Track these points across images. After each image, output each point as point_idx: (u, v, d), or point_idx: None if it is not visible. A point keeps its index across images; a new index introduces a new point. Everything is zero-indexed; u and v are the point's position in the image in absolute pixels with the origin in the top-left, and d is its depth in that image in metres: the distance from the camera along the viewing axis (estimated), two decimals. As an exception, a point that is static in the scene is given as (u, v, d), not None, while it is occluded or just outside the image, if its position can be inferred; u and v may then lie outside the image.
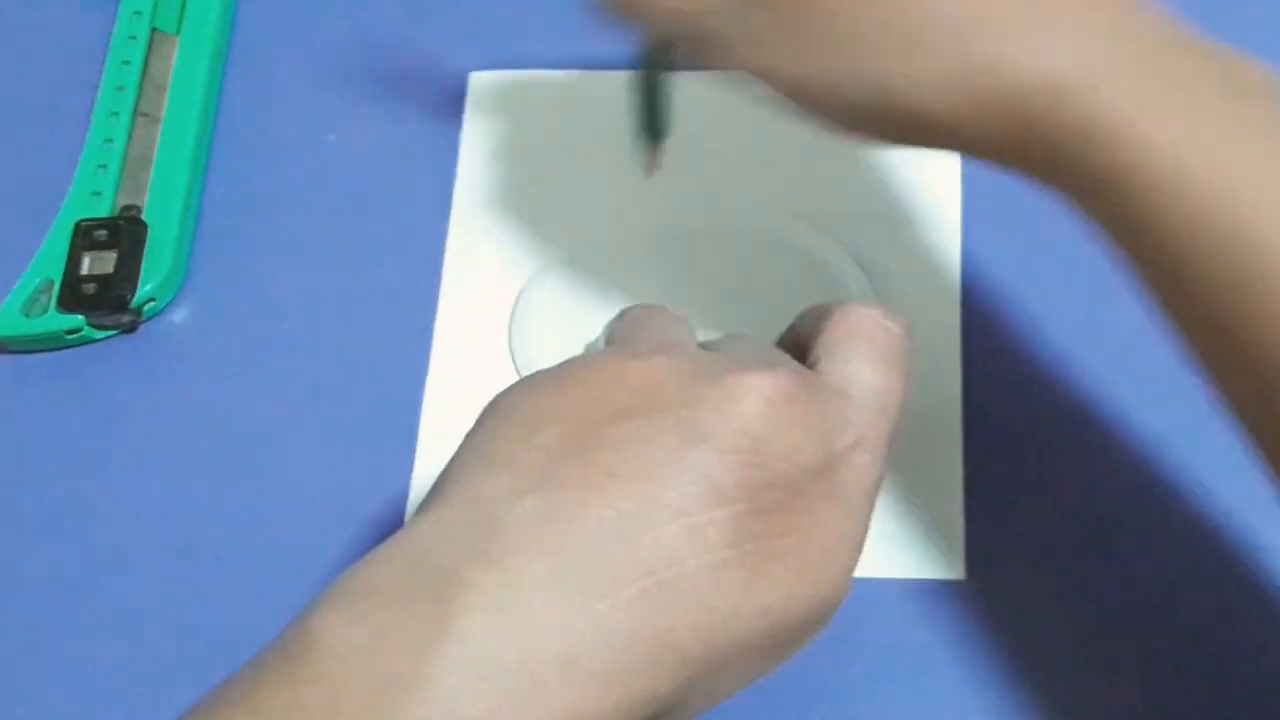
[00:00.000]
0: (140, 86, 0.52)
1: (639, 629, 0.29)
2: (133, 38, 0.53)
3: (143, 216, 0.49)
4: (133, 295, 0.47)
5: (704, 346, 0.36)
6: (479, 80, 0.52)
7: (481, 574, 0.28)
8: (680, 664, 0.29)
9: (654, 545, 0.29)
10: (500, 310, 0.48)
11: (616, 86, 0.47)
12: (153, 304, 0.48)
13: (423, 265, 0.49)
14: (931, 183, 0.49)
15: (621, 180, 0.49)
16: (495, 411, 0.32)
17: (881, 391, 0.35)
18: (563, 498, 0.29)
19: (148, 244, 0.48)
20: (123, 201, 0.49)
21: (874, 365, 0.35)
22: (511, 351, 0.47)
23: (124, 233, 0.48)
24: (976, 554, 0.43)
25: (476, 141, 0.51)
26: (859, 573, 0.40)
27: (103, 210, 0.49)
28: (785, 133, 0.46)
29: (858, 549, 0.34)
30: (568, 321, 0.47)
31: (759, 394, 0.31)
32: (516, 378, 0.34)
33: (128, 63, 0.52)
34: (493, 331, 0.47)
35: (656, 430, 0.31)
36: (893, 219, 0.48)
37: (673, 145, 0.47)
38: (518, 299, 0.48)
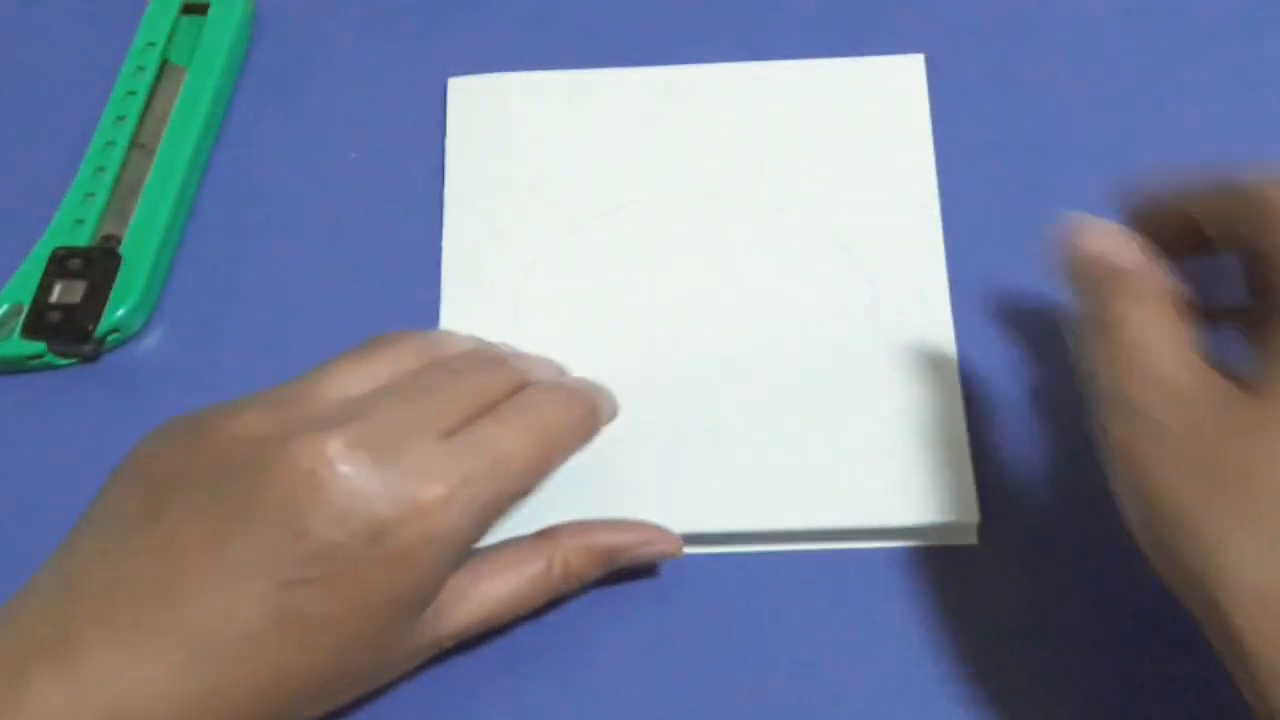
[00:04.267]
0: (141, 117, 0.52)
1: (183, 690, 0.32)
2: (141, 68, 0.53)
3: (121, 248, 0.49)
4: (95, 326, 0.47)
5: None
6: (457, 85, 0.53)
7: (52, 639, 0.32)
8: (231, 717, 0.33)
9: (198, 615, 0.32)
10: (501, 314, 0.48)
11: (589, 83, 0.53)
12: (116, 335, 0.48)
13: (417, 290, 0.49)
14: (907, 159, 0.50)
15: (605, 172, 0.51)
16: (121, 467, 0.37)
17: (499, 451, 0.36)
18: (128, 566, 0.33)
19: (120, 276, 0.48)
20: (104, 231, 0.49)
21: (498, 424, 0.37)
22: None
23: (96, 263, 0.48)
24: (988, 521, 0.43)
25: (460, 148, 0.52)
26: (872, 543, 0.44)
27: (82, 239, 0.49)
28: (778, 127, 0.51)
29: (420, 607, 0.36)
30: (566, 317, 0.48)
31: (309, 461, 0.33)
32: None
33: (133, 93, 0.53)
34: (494, 336, 0.47)
35: (215, 501, 0.34)
36: (870, 195, 0.50)
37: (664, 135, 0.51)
38: (515, 300, 0.48)
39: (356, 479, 0.33)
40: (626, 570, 0.43)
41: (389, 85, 0.54)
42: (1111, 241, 0.37)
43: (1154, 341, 0.35)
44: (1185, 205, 0.38)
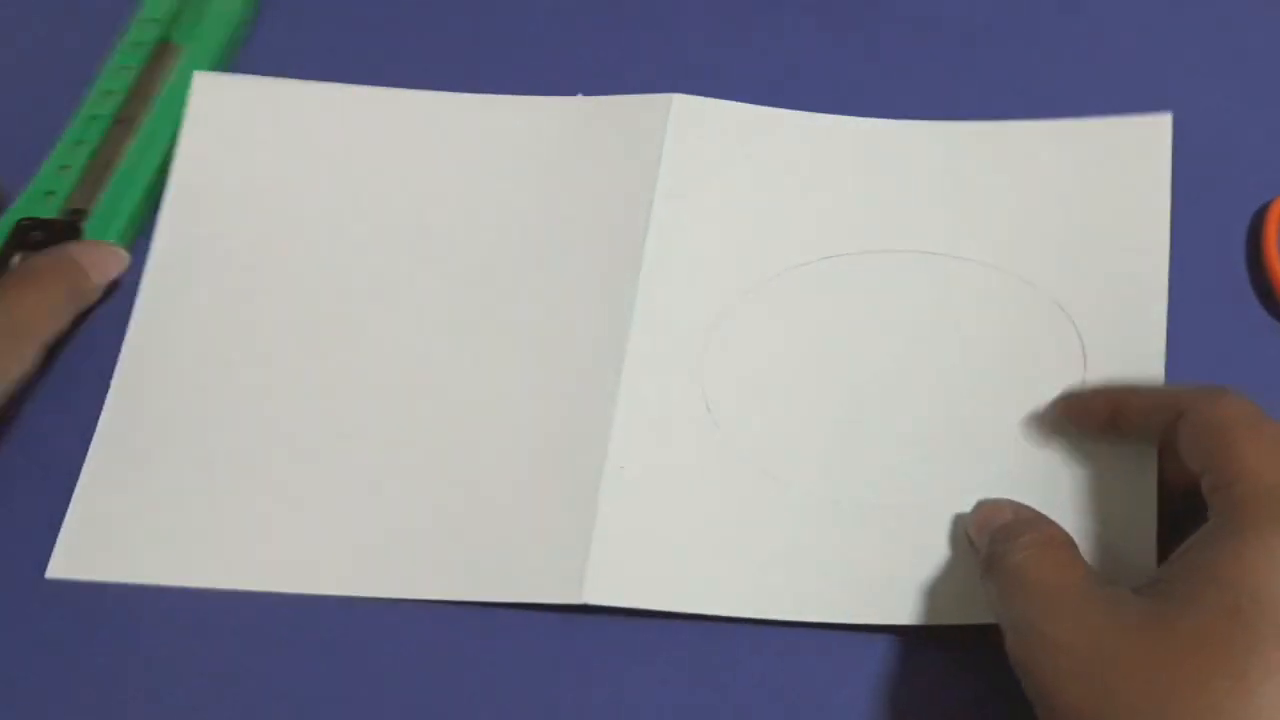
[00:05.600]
0: (130, 93, 0.50)
1: None
2: (138, 44, 0.52)
3: (86, 222, 0.47)
4: (49, 299, 0.45)
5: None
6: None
7: None
8: None
9: None
10: (685, 370, 0.47)
11: (783, 123, 0.50)
12: (72, 309, 0.46)
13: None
14: (1139, 228, 0.47)
15: (807, 224, 0.48)
16: None
17: None
18: None
19: (80, 250, 0.46)
20: (73, 205, 0.48)
21: None
22: None
23: (58, 236, 0.46)
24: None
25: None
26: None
27: (50, 211, 0.47)
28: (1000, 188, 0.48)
29: None
30: (757, 377, 0.46)
31: None
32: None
33: (126, 68, 0.51)
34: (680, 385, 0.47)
35: None
36: (1093, 265, 0.46)
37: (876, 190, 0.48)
38: (703, 353, 0.46)
39: None
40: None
41: (396, 75, 0.51)
42: (1001, 506, 0.42)
43: (1039, 567, 0.38)
44: (1119, 403, 0.42)
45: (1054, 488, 0.42)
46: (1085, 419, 0.42)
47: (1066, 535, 0.40)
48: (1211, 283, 0.47)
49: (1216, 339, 0.45)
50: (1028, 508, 0.41)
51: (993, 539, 0.40)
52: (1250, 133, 0.49)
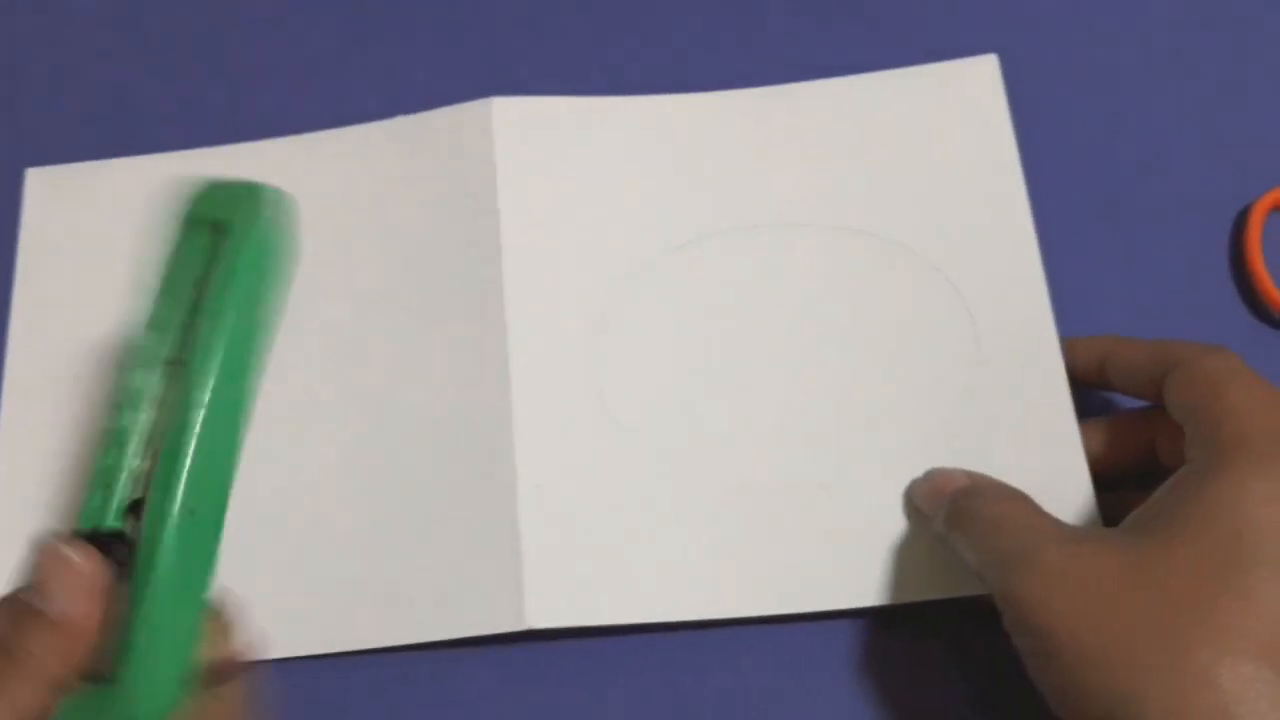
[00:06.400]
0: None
1: None
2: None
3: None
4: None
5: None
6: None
7: None
8: None
9: None
10: (579, 361, 0.46)
11: (604, 110, 0.48)
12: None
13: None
14: (990, 167, 0.46)
15: (657, 208, 0.47)
16: None
17: None
18: None
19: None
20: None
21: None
22: None
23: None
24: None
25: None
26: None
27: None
28: (842, 148, 0.47)
29: None
30: (645, 365, 0.46)
31: None
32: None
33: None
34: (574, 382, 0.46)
35: None
36: (957, 214, 0.46)
37: (719, 166, 0.47)
38: (595, 335, 0.46)
39: None
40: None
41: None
42: (954, 473, 0.43)
43: (1017, 512, 0.40)
44: (1108, 353, 0.43)
45: (972, 453, 0.43)
46: (1072, 368, 0.44)
47: (1027, 495, 0.41)
48: (1195, 283, 0.47)
49: (1200, 340, 0.43)
50: (982, 474, 0.43)
51: (954, 499, 0.41)
52: (1233, 132, 0.50)
